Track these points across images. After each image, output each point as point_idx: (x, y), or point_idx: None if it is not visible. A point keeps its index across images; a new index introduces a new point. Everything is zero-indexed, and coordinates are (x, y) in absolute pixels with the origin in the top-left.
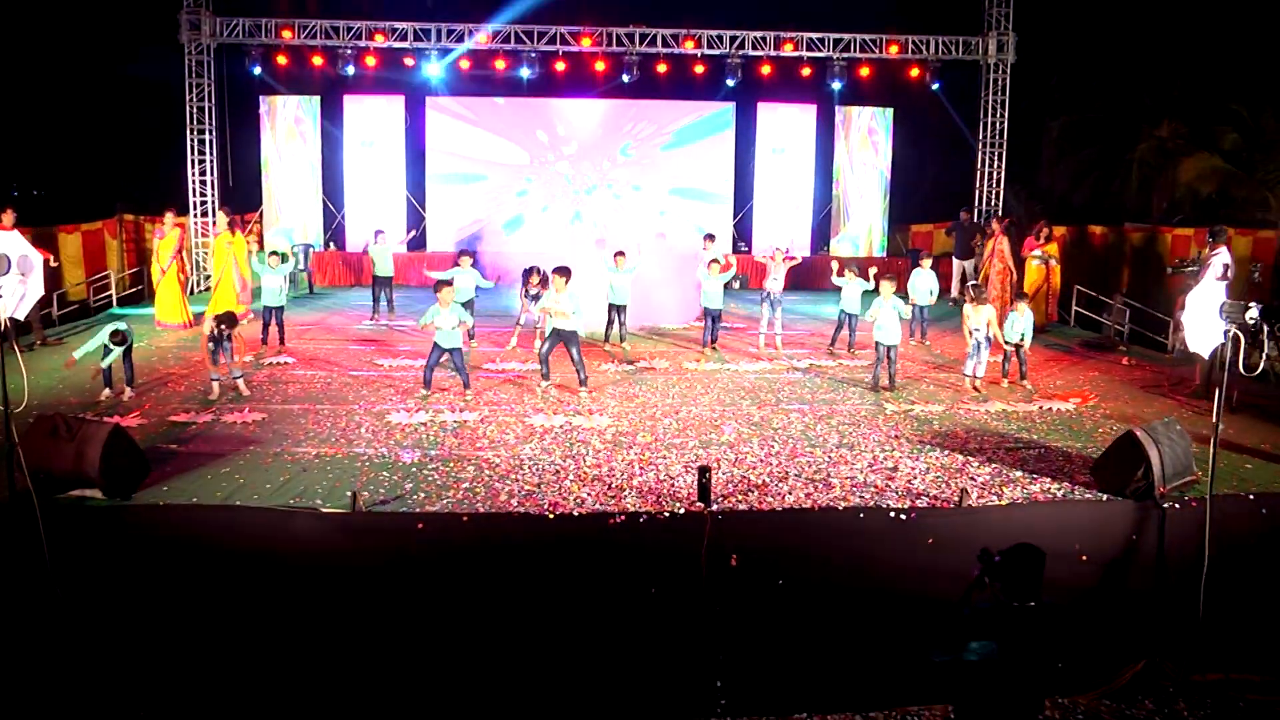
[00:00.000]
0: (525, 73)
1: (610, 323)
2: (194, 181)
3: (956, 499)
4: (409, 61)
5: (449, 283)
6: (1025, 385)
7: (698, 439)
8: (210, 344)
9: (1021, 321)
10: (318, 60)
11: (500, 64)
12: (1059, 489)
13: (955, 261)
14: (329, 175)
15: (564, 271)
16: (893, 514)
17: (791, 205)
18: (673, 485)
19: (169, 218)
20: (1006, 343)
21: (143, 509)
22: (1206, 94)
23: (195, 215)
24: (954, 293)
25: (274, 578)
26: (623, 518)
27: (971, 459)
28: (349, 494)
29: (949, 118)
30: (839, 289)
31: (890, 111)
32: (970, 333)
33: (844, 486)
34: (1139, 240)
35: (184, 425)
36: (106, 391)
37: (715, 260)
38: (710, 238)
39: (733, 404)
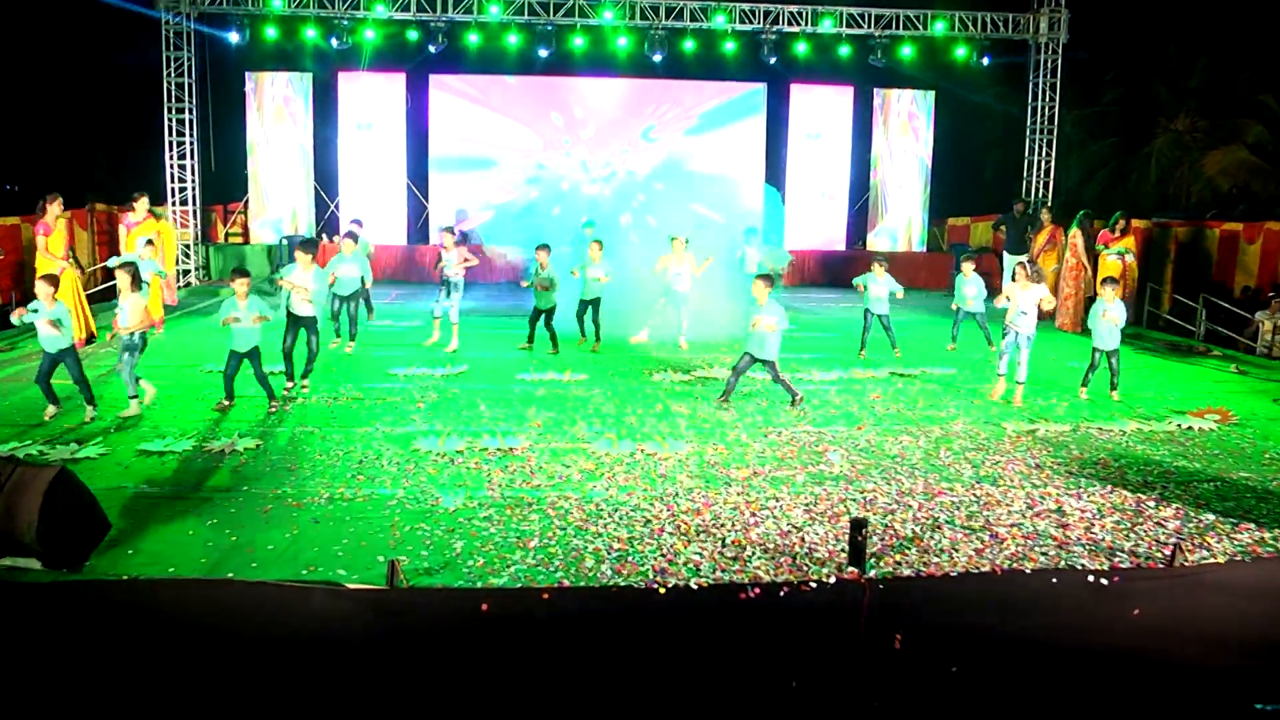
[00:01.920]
0: (541, 49)
1: (581, 318)
2: (171, 167)
3: (1168, 556)
4: (411, 35)
5: (245, 271)
6: (1115, 397)
7: (804, 472)
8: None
9: (1114, 311)
10: (310, 32)
11: (512, 38)
12: (1274, 537)
13: (1006, 258)
14: (321, 161)
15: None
16: (1090, 578)
17: (826, 195)
18: (802, 539)
19: (140, 205)
20: (1097, 351)
21: (97, 586)
22: (1230, 86)
23: (173, 204)
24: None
25: (285, 681)
26: (757, 590)
27: (1143, 496)
28: (381, 559)
29: (994, 102)
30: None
31: (932, 95)
32: (1012, 322)
33: (1014, 538)
34: (1184, 235)
35: (156, 458)
36: (51, 410)
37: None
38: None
39: (824, 423)
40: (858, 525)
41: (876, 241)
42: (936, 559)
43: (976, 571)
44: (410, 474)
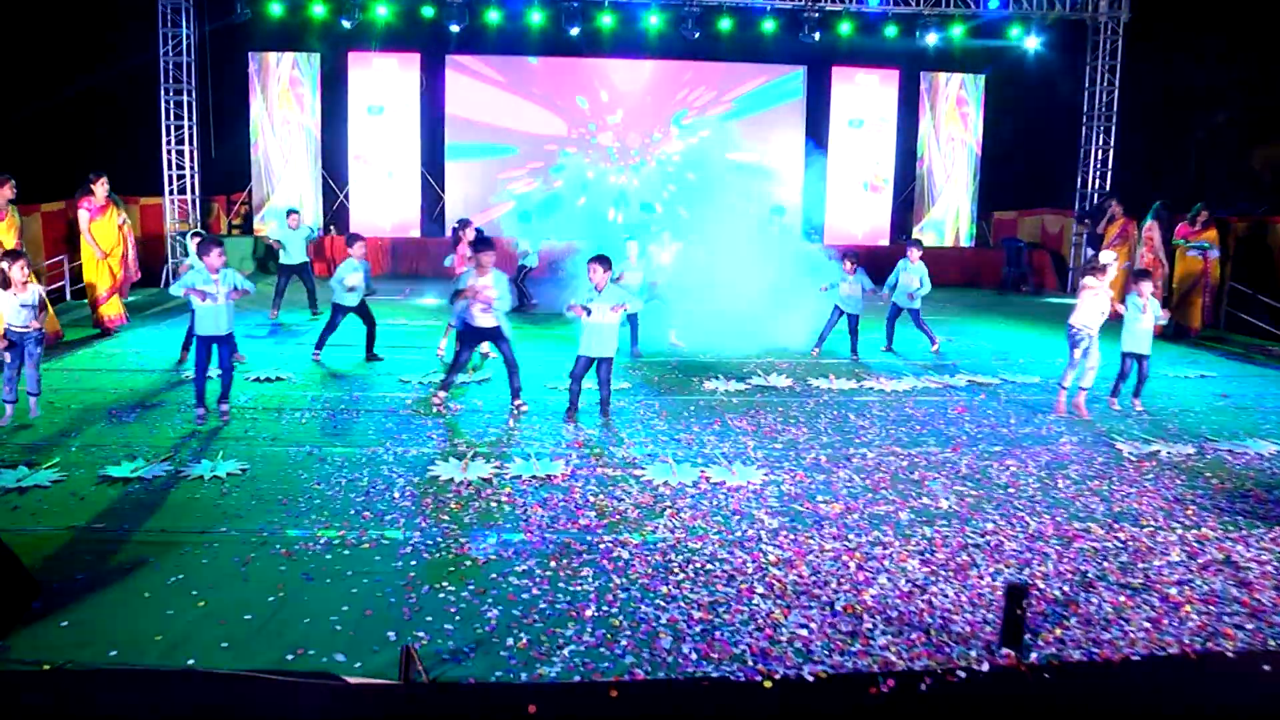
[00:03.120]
0: (566, 28)
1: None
2: (169, 153)
3: None
4: (427, 12)
5: (217, 240)
6: (1138, 407)
7: (905, 508)
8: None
9: (1147, 314)
10: (318, 9)
11: (535, 16)
12: None
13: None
14: (330, 147)
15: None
16: None
17: (869, 186)
18: (930, 604)
19: (100, 189)
20: (1128, 357)
21: (6, 681)
22: (1276, 78)
23: (171, 193)
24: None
25: None
26: (891, 682)
27: None
28: (393, 636)
29: (1050, 86)
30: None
31: (982, 79)
32: (1080, 327)
33: (1190, 601)
34: (1242, 230)
35: (120, 486)
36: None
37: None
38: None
39: (911, 442)
40: (1015, 594)
41: (922, 236)
42: (1105, 633)
43: (1164, 654)
44: (428, 510)
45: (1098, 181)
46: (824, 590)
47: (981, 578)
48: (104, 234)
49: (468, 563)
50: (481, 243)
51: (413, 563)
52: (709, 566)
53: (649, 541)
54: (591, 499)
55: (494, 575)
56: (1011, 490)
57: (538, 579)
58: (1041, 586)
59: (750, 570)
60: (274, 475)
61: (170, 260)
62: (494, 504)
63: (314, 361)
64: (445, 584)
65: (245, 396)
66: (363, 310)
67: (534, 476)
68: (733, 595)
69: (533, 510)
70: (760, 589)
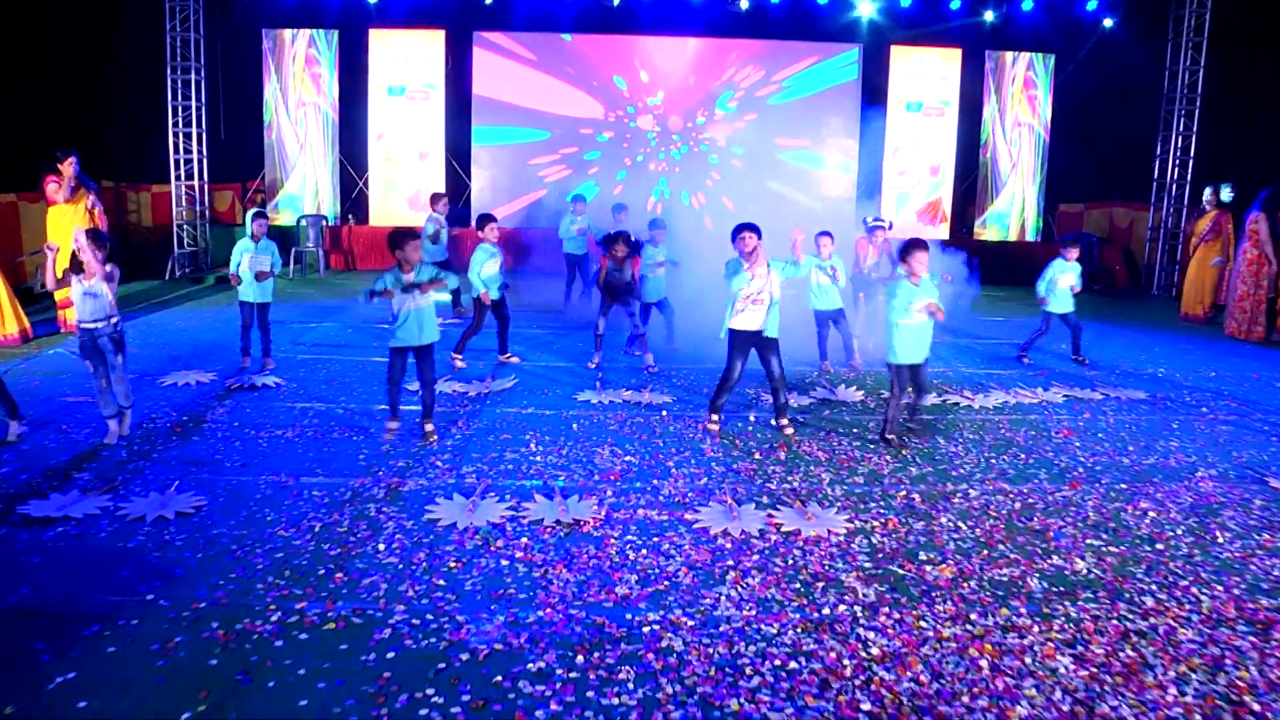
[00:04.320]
0: (605, 3)
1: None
2: (176, 136)
3: None
4: None
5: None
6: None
7: (1034, 570)
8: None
9: None
10: None
11: None
12: None
13: None
14: (348, 131)
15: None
16: None
17: (928, 174)
18: None
19: (68, 169)
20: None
21: None
22: None
23: (179, 179)
24: None
25: None
26: None
27: None
28: None
29: (1125, 66)
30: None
31: (1052, 59)
32: None
33: None
34: None
35: (38, 528)
36: None
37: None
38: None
39: (1019, 476)
40: None
41: (984, 230)
42: None
43: None
44: (418, 570)
45: (1176, 170)
46: (953, 708)
47: (1163, 688)
48: (59, 224)
49: (464, 655)
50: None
51: (390, 654)
52: (791, 665)
53: (710, 623)
54: (631, 555)
55: (498, 678)
56: (1160, 547)
57: (558, 684)
58: (1255, 707)
59: (848, 671)
60: (234, 515)
61: (177, 250)
62: (505, 561)
63: (454, 366)
64: (430, 693)
65: (222, 408)
66: (500, 305)
67: (558, 523)
68: (829, 713)
69: (555, 572)
70: (866, 703)
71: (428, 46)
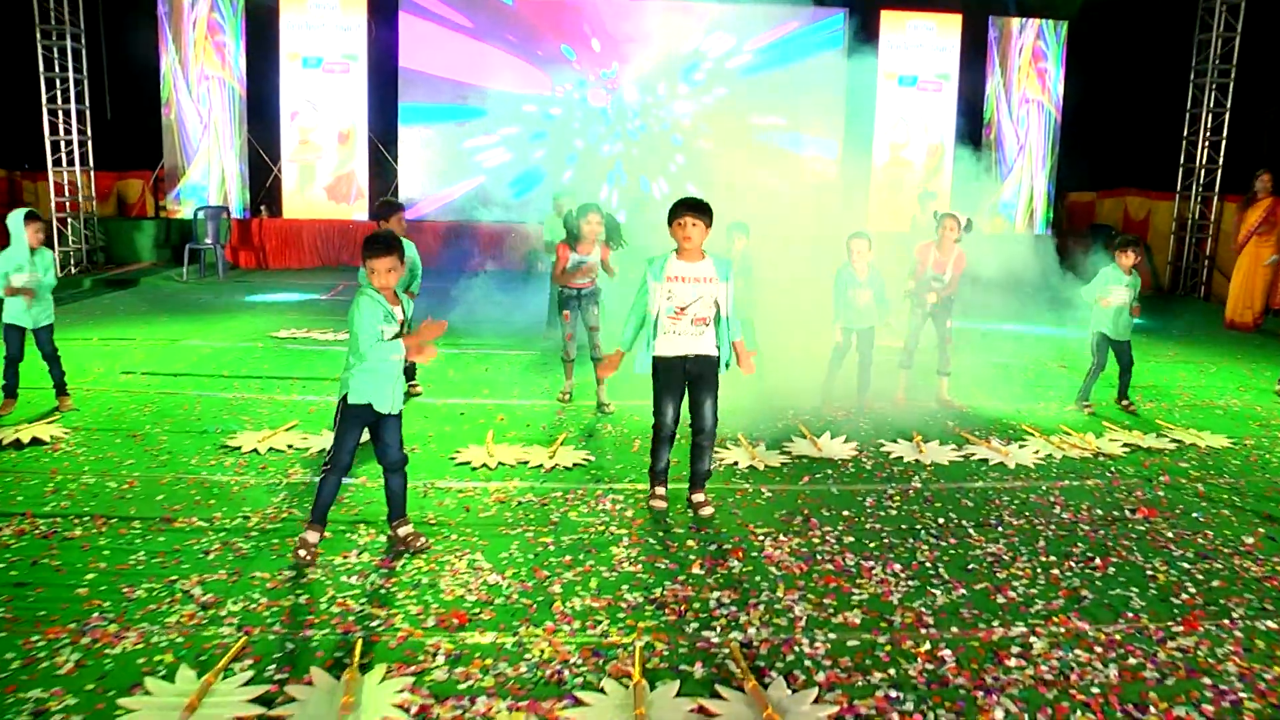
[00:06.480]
0: None
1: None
2: (54, 115)
3: None
4: None
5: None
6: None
7: None
8: None
9: None
10: None
11: None
12: None
13: None
14: (258, 109)
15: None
16: None
17: (924, 156)
18: None
19: None
20: None
21: None
22: None
23: (57, 165)
24: None
25: None
26: None
27: None
28: None
29: (1148, 35)
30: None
31: (1064, 27)
32: None
33: None
34: None
35: None
36: None
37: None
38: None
39: (1094, 591)
40: None
41: (989, 222)
42: None
43: None
44: None
45: (1206, 153)
46: None
47: None
48: None
49: None
50: None
51: None
52: None
53: None
54: None
55: None
56: None
57: None
58: None
59: None
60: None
61: (58, 248)
62: None
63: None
64: None
65: None
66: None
67: None
68: None
69: None
70: None
71: (347, 12)
